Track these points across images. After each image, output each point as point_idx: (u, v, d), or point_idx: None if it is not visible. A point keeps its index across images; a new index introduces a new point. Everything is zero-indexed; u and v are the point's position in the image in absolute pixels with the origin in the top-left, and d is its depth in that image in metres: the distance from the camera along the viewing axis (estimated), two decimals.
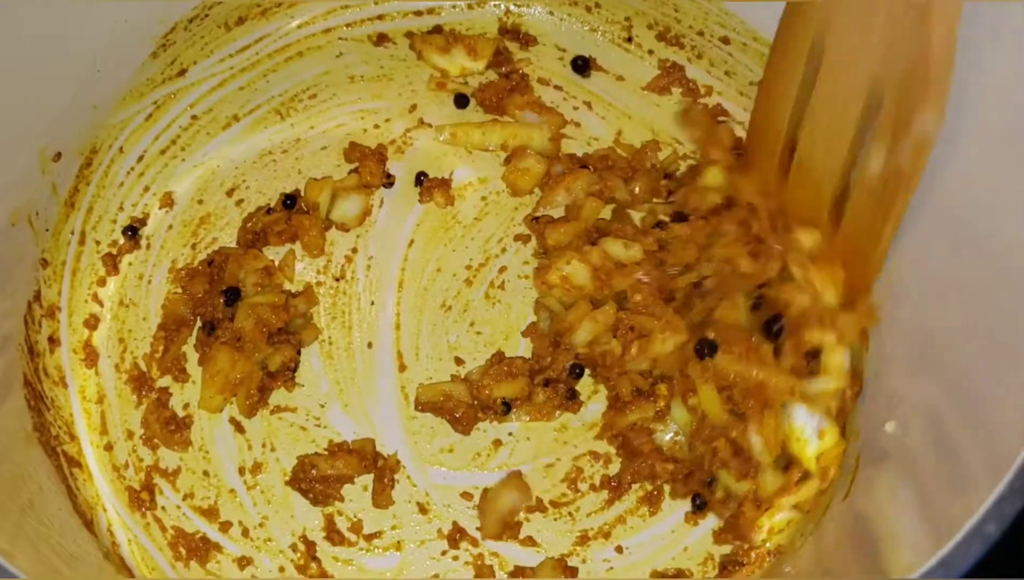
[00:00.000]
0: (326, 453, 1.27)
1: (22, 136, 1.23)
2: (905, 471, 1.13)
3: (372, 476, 1.27)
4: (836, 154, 1.15)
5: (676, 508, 1.29)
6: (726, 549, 1.27)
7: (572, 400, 1.31)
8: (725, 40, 1.41)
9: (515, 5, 1.47)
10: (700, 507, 1.27)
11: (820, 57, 1.13)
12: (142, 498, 1.27)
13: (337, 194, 1.38)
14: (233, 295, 1.30)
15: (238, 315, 1.28)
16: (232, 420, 1.31)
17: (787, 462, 1.23)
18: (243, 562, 1.26)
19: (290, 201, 1.37)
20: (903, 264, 1.18)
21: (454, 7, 1.48)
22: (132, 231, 1.37)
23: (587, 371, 1.32)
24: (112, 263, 1.36)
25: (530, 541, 1.27)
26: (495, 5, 1.48)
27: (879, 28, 1.05)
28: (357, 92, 1.45)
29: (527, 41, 1.47)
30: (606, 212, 1.39)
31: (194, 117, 1.43)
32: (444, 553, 1.27)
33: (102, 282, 1.36)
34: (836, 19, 1.10)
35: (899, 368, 1.20)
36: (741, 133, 1.40)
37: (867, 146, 1.11)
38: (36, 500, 1.14)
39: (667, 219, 1.36)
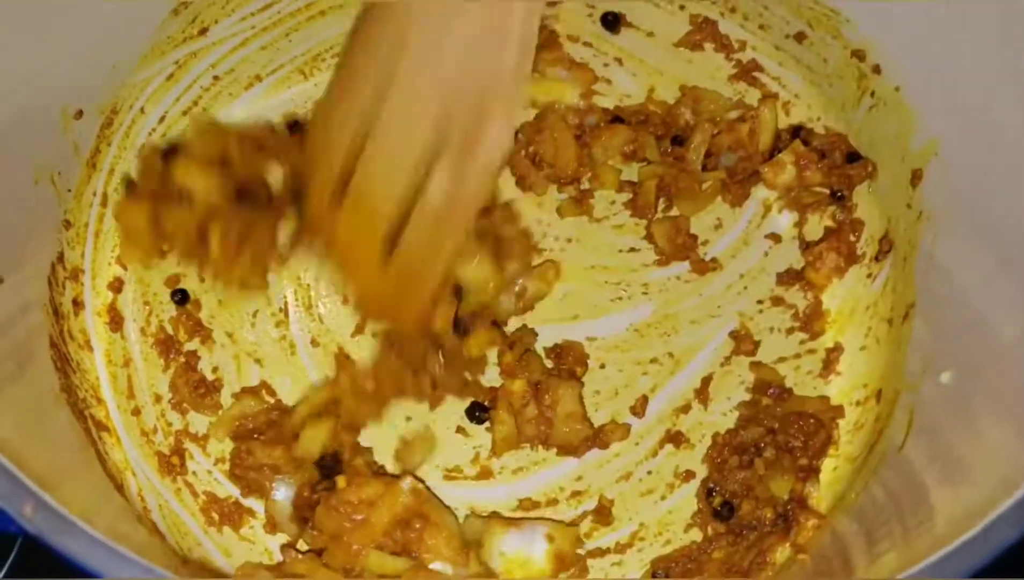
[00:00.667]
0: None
1: (42, 90, 1.19)
2: (962, 424, 1.09)
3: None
4: (395, 180, 1.06)
5: None
6: None
7: None
8: None
9: None
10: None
11: (390, 77, 1.04)
12: (172, 463, 1.24)
13: None
14: None
15: None
16: (264, 384, 1.26)
17: None
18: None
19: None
20: None
21: None
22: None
23: None
24: None
25: None
26: None
27: (455, 47, 1.01)
28: None
29: None
30: None
31: (216, 77, 1.39)
32: None
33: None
34: (411, 36, 1.02)
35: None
36: (777, 89, 1.37)
37: (431, 170, 1.05)
38: (68, 458, 1.10)
39: None
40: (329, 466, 1.19)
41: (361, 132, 1.07)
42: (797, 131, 1.38)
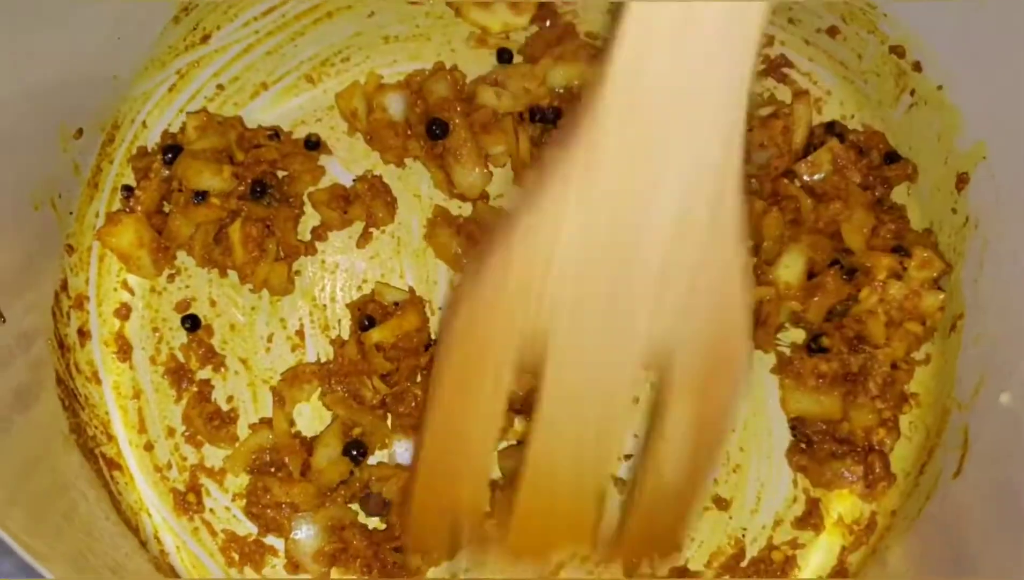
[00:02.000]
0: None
1: (40, 110, 1.12)
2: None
3: None
4: (600, 455, 0.94)
5: None
6: None
7: None
8: None
9: None
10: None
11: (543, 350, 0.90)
12: (188, 500, 1.18)
13: None
14: None
15: None
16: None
17: None
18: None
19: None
20: None
21: None
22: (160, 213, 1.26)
23: None
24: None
25: None
26: None
27: (653, 295, 0.87)
28: (392, 53, 1.34)
29: None
30: None
31: (220, 87, 1.32)
32: None
33: None
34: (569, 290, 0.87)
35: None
36: (807, 85, 1.31)
37: (666, 414, 0.93)
38: (80, 506, 1.05)
39: None
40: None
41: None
42: (831, 127, 1.32)
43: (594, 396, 0.91)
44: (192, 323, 1.22)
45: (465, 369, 0.91)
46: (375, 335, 1.16)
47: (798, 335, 1.24)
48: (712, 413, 0.93)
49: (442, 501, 0.99)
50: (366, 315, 1.18)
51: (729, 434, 0.97)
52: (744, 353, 0.91)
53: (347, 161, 1.30)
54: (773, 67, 1.35)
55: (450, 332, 0.91)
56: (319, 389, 1.20)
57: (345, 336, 1.22)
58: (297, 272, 1.24)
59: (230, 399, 1.22)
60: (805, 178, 1.27)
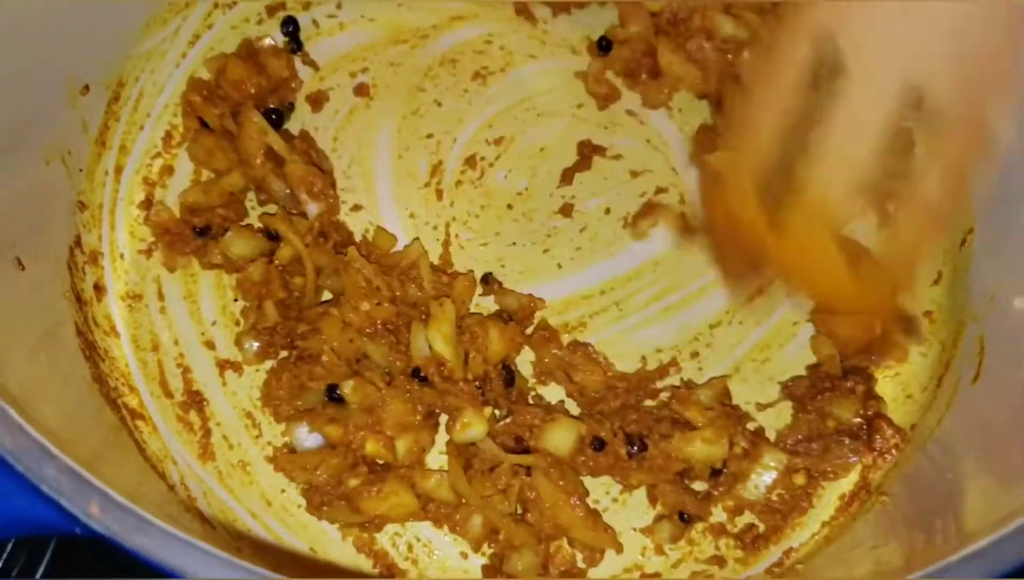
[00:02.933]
0: None
1: (47, 64, 1.12)
2: None
3: None
4: (852, 180, 0.95)
5: None
6: None
7: None
8: None
9: None
10: None
11: (835, 63, 0.93)
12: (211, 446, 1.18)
13: None
14: None
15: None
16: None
17: None
18: None
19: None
20: None
21: None
22: (168, 171, 1.27)
23: None
24: (150, 204, 1.25)
25: None
26: None
27: (916, 27, 0.88)
28: None
29: None
30: None
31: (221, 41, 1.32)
32: None
33: (141, 223, 1.26)
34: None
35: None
36: None
37: (923, 161, 0.94)
38: (106, 446, 1.05)
39: None
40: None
41: (795, 124, 0.96)
42: None
43: (857, 126, 0.93)
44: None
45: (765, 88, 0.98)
46: None
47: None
48: (962, 169, 0.95)
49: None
50: None
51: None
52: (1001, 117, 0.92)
53: None
54: None
55: None
56: None
57: None
58: None
59: None
60: None
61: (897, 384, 1.21)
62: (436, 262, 1.24)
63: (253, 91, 1.27)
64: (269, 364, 1.20)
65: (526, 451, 1.13)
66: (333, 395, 1.13)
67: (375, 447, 1.11)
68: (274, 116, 1.26)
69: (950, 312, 1.21)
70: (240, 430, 1.19)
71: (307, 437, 1.15)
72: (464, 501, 1.12)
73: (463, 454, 1.13)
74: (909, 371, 1.22)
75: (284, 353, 1.19)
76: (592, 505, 1.14)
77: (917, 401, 1.20)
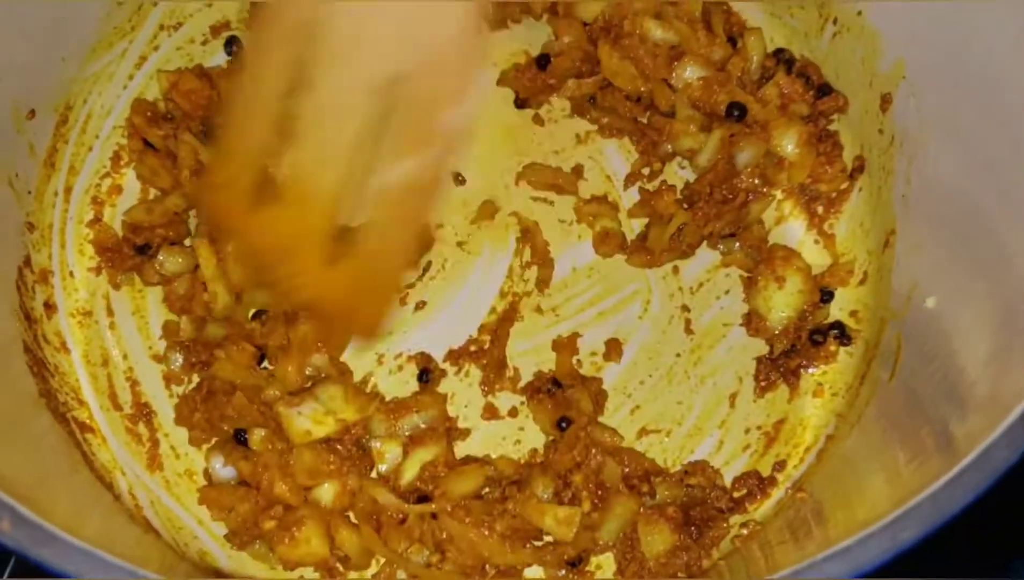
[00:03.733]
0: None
1: None
2: (948, 350, 1.08)
3: None
4: (335, 169, 0.96)
5: None
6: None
7: None
8: None
9: None
10: None
11: (313, 54, 0.94)
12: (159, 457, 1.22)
13: None
14: None
15: None
16: None
17: None
18: None
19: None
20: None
21: None
22: (118, 190, 1.32)
23: None
24: (100, 220, 1.30)
25: None
26: None
27: (383, 18, 0.91)
28: None
29: None
30: None
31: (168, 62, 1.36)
32: None
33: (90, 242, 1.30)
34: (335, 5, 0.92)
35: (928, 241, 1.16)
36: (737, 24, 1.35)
37: (380, 155, 0.95)
38: (51, 461, 1.09)
39: None
40: None
41: (285, 116, 0.97)
42: (779, 54, 1.34)
43: (335, 118, 0.95)
44: None
45: (254, 68, 0.99)
46: None
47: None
48: (426, 167, 0.96)
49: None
50: None
51: (433, 203, 1.00)
52: (455, 118, 0.94)
53: None
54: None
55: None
56: None
57: None
58: None
59: None
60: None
61: (822, 382, 1.25)
62: None
63: (204, 103, 1.30)
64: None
65: (426, 499, 1.17)
66: (240, 438, 1.17)
67: (283, 491, 1.15)
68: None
69: (874, 311, 1.25)
70: (186, 440, 1.23)
71: (222, 468, 1.19)
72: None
73: (370, 511, 1.17)
74: (836, 370, 1.26)
75: (197, 378, 1.23)
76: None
77: (842, 399, 1.24)
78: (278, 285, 1.08)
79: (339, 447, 1.17)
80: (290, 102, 0.95)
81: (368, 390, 1.24)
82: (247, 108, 0.99)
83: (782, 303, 1.26)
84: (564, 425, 1.19)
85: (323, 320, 1.14)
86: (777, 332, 1.26)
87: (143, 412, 1.24)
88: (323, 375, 1.21)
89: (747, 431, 1.26)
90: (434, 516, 1.16)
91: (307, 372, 1.20)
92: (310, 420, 1.15)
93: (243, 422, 1.17)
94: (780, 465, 1.24)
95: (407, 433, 1.20)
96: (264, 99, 0.97)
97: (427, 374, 1.23)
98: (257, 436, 1.15)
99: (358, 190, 0.96)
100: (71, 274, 1.28)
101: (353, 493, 1.16)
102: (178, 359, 1.22)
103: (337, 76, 0.94)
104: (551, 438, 1.22)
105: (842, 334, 1.25)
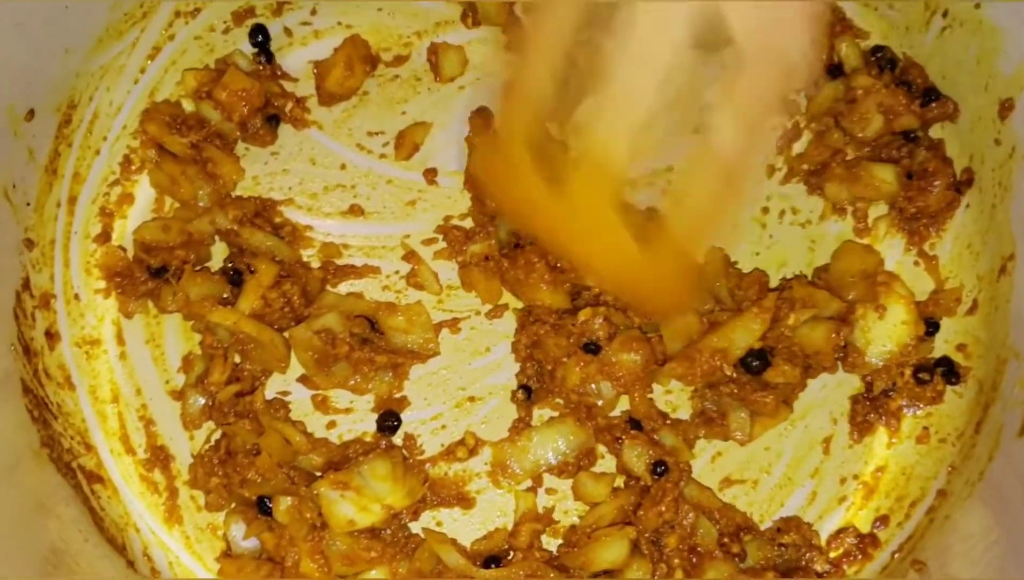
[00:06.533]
0: None
1: None
2: None
3: None
4: (640, 118, 0.85)
5: None
6: None
7: None
8: None
9: None
10: None
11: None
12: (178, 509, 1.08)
13: None
14: None
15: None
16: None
17: None
18: None
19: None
20: None
21: None
22: (129, 199, 1.16)
23: None
24: (108, 237, 1.14)
25: None
26: None
27: None
28: None
29: None
30: None
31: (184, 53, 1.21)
32: None
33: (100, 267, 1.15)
34: None
35: None
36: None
37: (715, 111, 0.84)
38: (51, 530, 0.94)
39: None
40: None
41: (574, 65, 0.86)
42: (878, 53, 1.19)
43: (644, 64, 0.83)
44: None
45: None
46: None
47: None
48: (752, 112, 0.83)
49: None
50: None
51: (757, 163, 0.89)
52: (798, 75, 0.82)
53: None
54: None
55: None
56: None
57: None
58: None
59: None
60: (858, 135, 1.15)
61: (927, 425, 1.11)
62: None
63: (257, 105, 1.15)
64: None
65: (496, 562, 1.04)
66: (264, 507, 1.03)
67: (311, 571, 1.01)
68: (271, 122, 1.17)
69: (988, 347, 1.10)
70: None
71: (243, 540, 1.05)
72: None
73: (425, 577, 1.04)
74: (942, 412, 1.11)
75: (217, 434, 1.09)
76: None
77: (953, 447, 1.09)
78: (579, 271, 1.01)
79: (384, 533, 1.04)
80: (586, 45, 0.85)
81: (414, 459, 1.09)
82: (538, 47, 0.87)
83: (883, 336, 1.11)
84: (660, 470, 1.04)
85: (634, 301, 1.03)
86: (877, 368, 1.11)
87: (159, 456, 1.09)
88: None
89: (843, 481, 1.12)
90: None
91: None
92: (354, 507, 1.01)
93: (267, 488, 1.02)
94: (882, 521, 1.10)
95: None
96: (554, 35, 0.86)
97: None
98: (283, 506, 1.00)
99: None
100: (76, 297, 1.13)
101: None
102: (199, 401, 1.07)
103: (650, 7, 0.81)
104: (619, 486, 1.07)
105: (950, 371, 1.10)
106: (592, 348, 1.07)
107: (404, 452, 1.09)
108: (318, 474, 1.04)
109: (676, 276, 0.93)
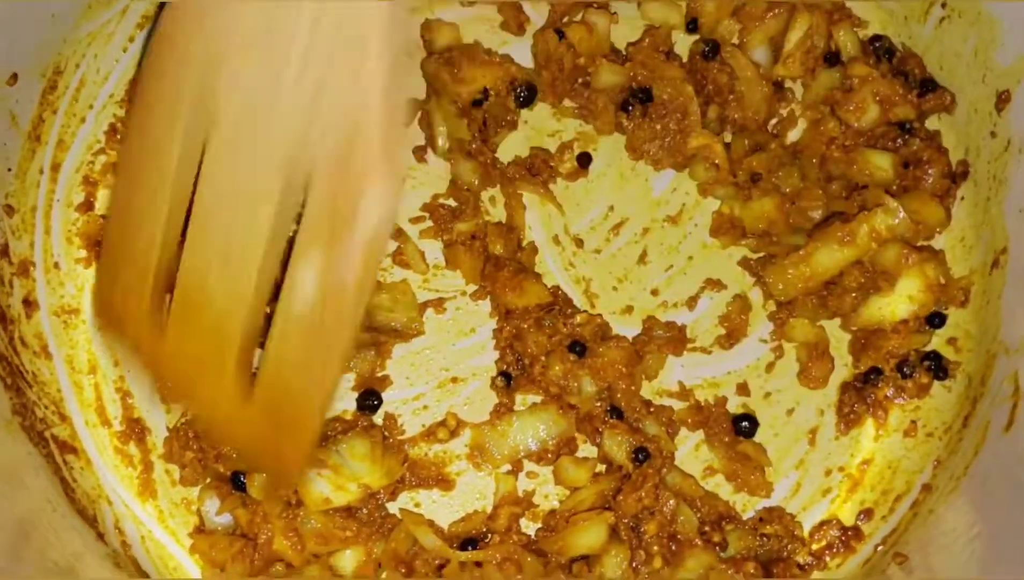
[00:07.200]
0: None
1: None
2: None
3: None
4: (241, 278, 0.82)
5: None
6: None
7: None
8: None
9: None
10: None
11: (207, 135, 0.81)
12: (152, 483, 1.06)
13: None
14: None
15: None
16: None
17: None
18: None
19: None
20: None
21: None
22: (113, 168, 1.15)
23: None
24: (92, 204, 1.12)
25: None
26: None
27: (292, 84, 0.76)
28: None
29: None
30: None
31: None
32: None
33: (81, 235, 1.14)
34: (228, 68, 0.79)
35: None
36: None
37: (292, 263, 0.80)
38: (19, 500, 0.92)
39: None
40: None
41: (176, 213, 0.83)
42: (876, 43, 1.18)
43: (240, 204, 0.81)
44: None
45: (142, 139, 0.86)
46: None
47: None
48: (337, 275, 0.79)
49: (118, 273, 0.91)
50: None
51: (356, 324, 0.82)
52: (372, 208, 0.77)
53: None
54: None
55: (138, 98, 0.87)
56: None
57: None
58: None
59: None
60: (854, 125, 1.14)
61: (915, 418, 1.09)
62: None
63: None
64: None
65: (474, 545, 1.02)
66: (238, 482, 1.01)
67: (284, 548, 0.99)
68: None
69: (978, 341, 1.09)
70: None
71: (217, 516, 1.03)
72: None
73: (401, 557, 1.02)
74: (931, 406, 1.10)
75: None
76: None
77: (940, 442, 1.08)
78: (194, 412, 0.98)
79: (360, 512, 1.02)
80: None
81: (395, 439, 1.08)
82: (138, 190, 0.85)
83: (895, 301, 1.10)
84: (641, 457, 1.02)
85: (243, 454, 0.99)
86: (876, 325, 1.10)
87: (135, 429, 1.08)
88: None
89: (828, 473, 1.10)
90: (478, 565, 1.00)
91: None
92: (330, 485, 0.99)
93: (242, 463, 1.00)
94: (866, 514, 1.08)
95: None
96: (153, 179, 0.84)
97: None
98: (258, 482, 0.99)
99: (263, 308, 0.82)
100: (56, 266, 1.11)
101: (379, 562, 1.00)
102: None
103: (238, 154, 0.80)
104: (599, 472, 1.06)
105: (938, 366, 1.09)
106: (578, 349, 1.06)
107: (384, 432, 1.07)
108: None
109: (279, 435, 0.88)
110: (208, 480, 1.04)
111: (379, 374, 1.10)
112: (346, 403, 1.09)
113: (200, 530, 1.03)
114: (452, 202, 1.14)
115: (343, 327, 0.81)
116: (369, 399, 1.08)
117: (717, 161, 1.13)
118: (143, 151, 0.85)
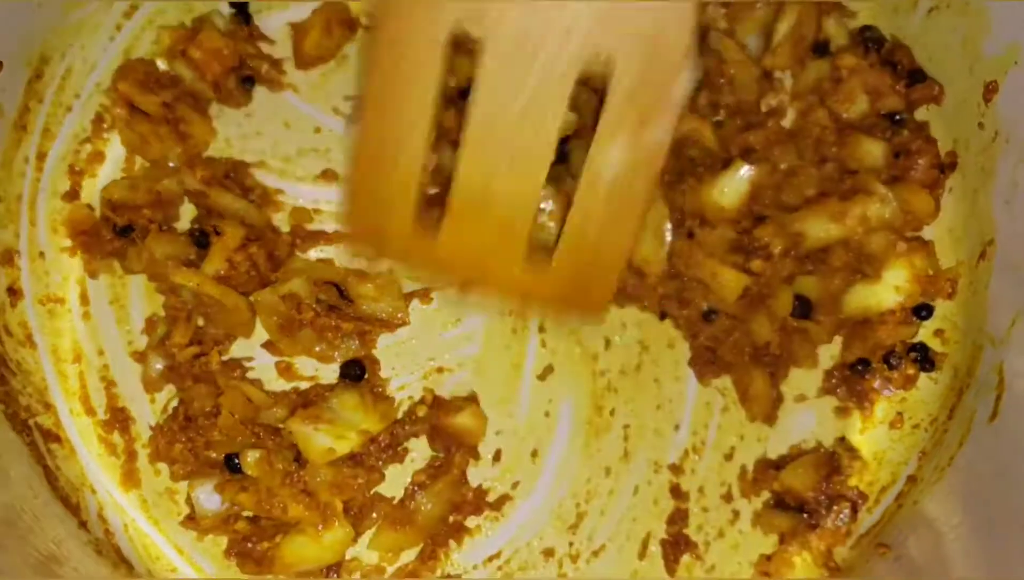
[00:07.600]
0: None
1: None
2: None
3: None
4: (529, 176, 0.89)
5: None
6: None
7: None
8: None
9: None
10: None
11: (477, 47, 0.86)
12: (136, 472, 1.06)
13: None
14: None
15: None
16: None
17: None
18: None
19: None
20: None
21: None
22: (99, 158, 1.15)
23: None
24: (76, 195, 1.12)
25: None
26: None
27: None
28: None
29: None
30: None
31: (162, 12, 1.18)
32: None
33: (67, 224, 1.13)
34: None
35: None
36: None
37: (597, 144, 0.88)
38: (3, 487, 0.92)
39: None
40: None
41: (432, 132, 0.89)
42: (865, 34, 1.17)
43: (527, 112, 0.87)
44: None
45: (395, 68, 0.89)
46: None
47: None
48: (646, 147, 0.87)
49: (376, 194, 0.95)
50: None
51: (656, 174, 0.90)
52: (681, 84, 0.85)
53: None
54: None
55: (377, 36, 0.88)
56: None
57: None
58: None
59: None
60: (843, 115, 1.13)
61: (901, 410, 1.09)
62: None
63: (231, 65, 1.14)
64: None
65: None
66: (232, 464, 1.01)
67: (299, 512, 1.00)
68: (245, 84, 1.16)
69: (964, 333, 1.09)
70: None
71: (219, 504, 1.03)
72: None
73: None
74: (917, 397, 1.10)
75: (175, 402, 1.08)
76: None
77: (926, 434, 1.08)
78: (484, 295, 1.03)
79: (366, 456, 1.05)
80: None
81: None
82: (397, 117, 0.90)
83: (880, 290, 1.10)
84: None
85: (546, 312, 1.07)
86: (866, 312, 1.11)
87: (119, 418, 1.08)
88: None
89: None
90: None
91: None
92: (330, 437, 1.00)
93: (234, 446, 1.00)
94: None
95: None
96: (419, 102, 0.89)
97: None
98: (252, 458, 0.99)
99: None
100: (41, 255, 1.11)
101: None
102: (159, 363, 1.05)
103: (514, 68, 0.86)
104: None
105: (924, 358, 1.09)
106: None
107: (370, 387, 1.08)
108: (283, 426, 1.03)
109: (587, 284, 0.95)
110: (200, 469, 1.04)
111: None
112: (328, 377, 1.09)
113: (191, 518, 1.03)
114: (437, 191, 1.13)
115: (649, 181, 0.90)
116: (352, 369, 1.08)
117: (708, 144, 1.13)
118: (398, 81, 0.88)
